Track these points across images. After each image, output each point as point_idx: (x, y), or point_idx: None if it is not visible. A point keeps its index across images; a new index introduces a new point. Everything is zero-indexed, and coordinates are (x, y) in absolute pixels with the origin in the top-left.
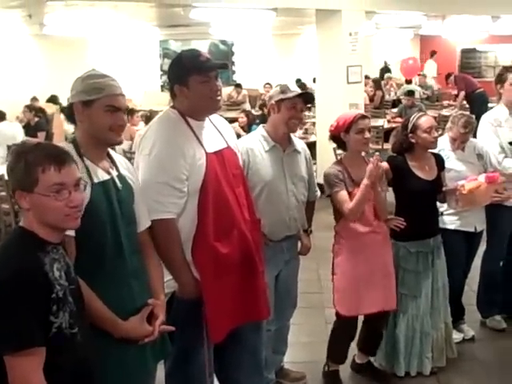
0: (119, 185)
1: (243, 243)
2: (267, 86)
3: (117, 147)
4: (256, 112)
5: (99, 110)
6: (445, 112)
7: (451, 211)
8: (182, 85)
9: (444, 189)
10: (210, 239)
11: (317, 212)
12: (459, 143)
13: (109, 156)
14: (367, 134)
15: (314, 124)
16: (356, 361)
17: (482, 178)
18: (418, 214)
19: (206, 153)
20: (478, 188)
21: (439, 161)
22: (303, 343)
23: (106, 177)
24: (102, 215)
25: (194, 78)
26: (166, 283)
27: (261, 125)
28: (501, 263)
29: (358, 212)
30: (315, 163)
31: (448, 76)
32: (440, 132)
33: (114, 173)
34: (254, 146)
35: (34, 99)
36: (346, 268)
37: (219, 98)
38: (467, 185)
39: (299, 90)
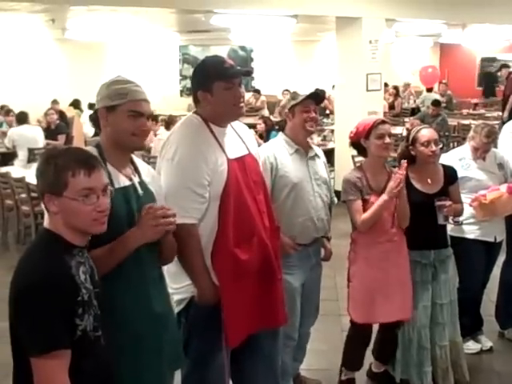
0: (140, 191)
1: (263, 250)
2: (286, 92)
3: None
4: (274, 118)
5: (122, 115)
6: (464, 121)
7: (471, 220)
8: (206, 91)
9: (436, 204)
10: (230, 245)
11: (334, 219)
12: (481, 152)
13: (132, 162)
14: (387, 139)
15: (332, 131)
16: (372, 369)
17: (503, 188)
18: (415, 225)
19: (228, 159)
20: (500, 198)
21: (449, 174)
22: (319, 350)
23: (127, 182)
24: (121, 221)
25: (218, 84)
26: (185, 288)
27: (280, 132)
28: None
29: (369, 224)
30: (333, 170)
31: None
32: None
33: (136, 179)
34: (279, 150)
35: (55, 102)
36: (361, 276)
37: (242, 104)
38: (489, 195)
39: (306, 93)
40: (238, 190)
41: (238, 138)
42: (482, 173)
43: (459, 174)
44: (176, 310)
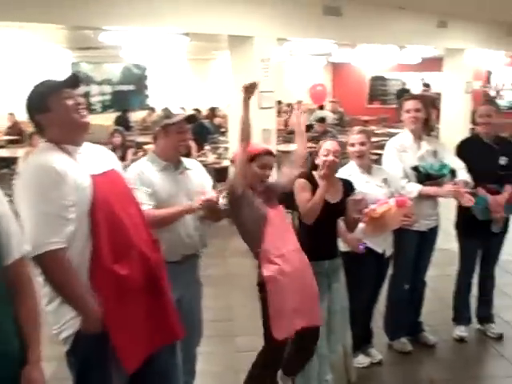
0: None
1: (144, 263)
2: (182, 110)
3: None
4: None
5: None
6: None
7: (360, 236)
8: (44, 111)
9: (350, 199)
10: (108, 262)
11: (230, 238)
12: (359, 152)
13: None
14: (268, 172)
15: (226, 149)
16: None
17: (392, 201)
18: (315, 234)
19: (90, 175)
20: (389, 211)
21: (347, 185)
22: (214, 372)
23: None
24: None
25: (52, 98)
26: (68, 323)
27: (150, 150)
28: (406, 286)
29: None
30: None
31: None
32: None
33: None
34: (144, 168)
35: None
36: (277, 289)
37: (85, 113)
38: (379, 208)
39: (182, 112)
40: (108, 204)
41: (97, 155)
42: (370, 186)
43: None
44: (64, 349)
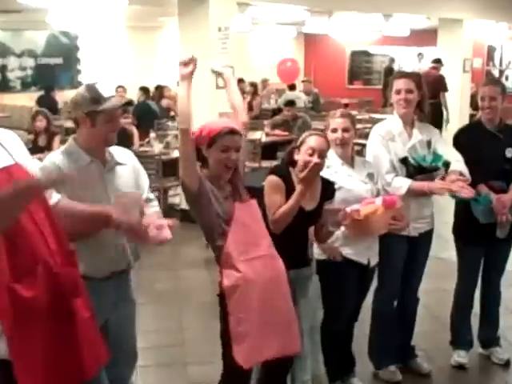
0: None
1: (52, 281)
2: (120, 89)
3: None
4: None
5: None
6: None
7: (340, 242)
8: None
9: (325, 208)
10: (6, 280)
11: (181, 245)
12: (341, 140)
13: None
14: (233, 156)
15: (177, 137)
16: None
17: (378, 201)
18: (281, 240)
19: None
20: (375, 213)
21: (327, 188)
22: None
23: None
24: None
25: None
26: None
27: (71, 136)
28: (395, 303)
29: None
30: (178, 185)
31: None
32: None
33: None
34: (63, 163)
35: None
36: (239, 303)
37: None
38: (363, 209)
39: (113, 93)
40: None
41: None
42: (352, 181)
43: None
44: None
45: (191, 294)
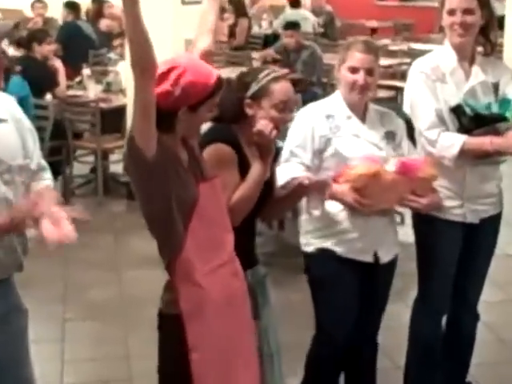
0: None
1: None
2: (37, 5)
3: None
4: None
5: None
6: None
7: (339, 228)
8: None
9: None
10: None
11: (125, 236)
12: (361, 87)
13: None
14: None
15: (118, 74)
16: None
17: (391, 165)
18: (242, 233)
19: None
20: (377, 176)
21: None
22: None
23: None
24: None
25: None
26: None
27: None
28: (443, 322)
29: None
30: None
31: None
32: None
33: None
34: None
35: None
36: (207, 339)
37: None
38: (359, 168)
39: None
40: None
41: None
42: (357, 144)
43: (324, 140)
44: None
45: (141, 305)
